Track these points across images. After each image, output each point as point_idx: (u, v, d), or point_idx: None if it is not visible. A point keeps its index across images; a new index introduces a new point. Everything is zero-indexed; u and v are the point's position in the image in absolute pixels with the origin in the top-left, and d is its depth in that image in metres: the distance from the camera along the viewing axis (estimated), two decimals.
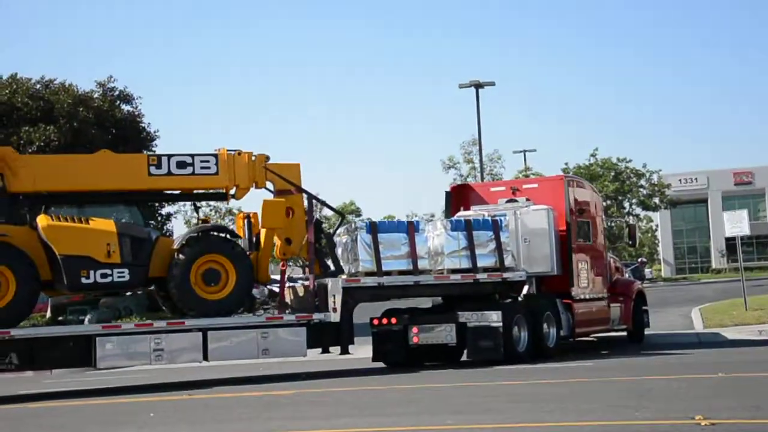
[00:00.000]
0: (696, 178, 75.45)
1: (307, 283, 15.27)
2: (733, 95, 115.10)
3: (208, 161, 14.67)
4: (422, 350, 16.00)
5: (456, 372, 14.76)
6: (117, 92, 33.32)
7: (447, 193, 18.22)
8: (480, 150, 43.94)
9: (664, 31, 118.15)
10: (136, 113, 33.58)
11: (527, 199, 17.24)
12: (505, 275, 15.86)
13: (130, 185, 14.53)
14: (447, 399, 11.00)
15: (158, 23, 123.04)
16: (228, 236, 14.91)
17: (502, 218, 16.05)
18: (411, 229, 15.17)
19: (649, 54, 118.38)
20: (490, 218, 16.03)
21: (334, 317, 14.69)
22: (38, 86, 32.17)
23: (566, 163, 61.22)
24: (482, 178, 47.28)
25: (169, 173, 14.46)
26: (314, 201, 15.56)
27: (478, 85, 40.14)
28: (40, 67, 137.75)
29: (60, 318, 30.24)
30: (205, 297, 14.27)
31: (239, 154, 14.93)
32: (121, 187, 14.58)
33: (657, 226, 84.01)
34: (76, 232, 13.88)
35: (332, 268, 15.34)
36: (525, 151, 58.68)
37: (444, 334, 15.35)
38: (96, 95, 32.77)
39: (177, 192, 15.45)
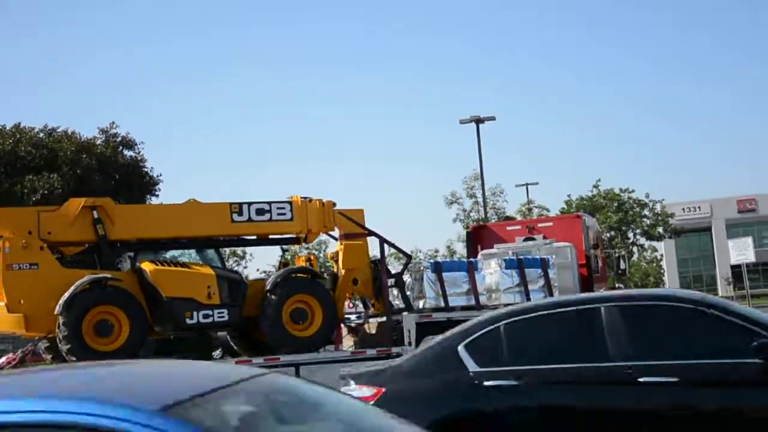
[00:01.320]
0: (699, 207, 75.97)
1: (381, 319, 16.20)
2: (735, 123, 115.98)
3: (283, 208, 15.66)
4: None
5: None
6: (119, 138, 33.66)
7: (468, 233, 19.79)
8: (482, 184, 44.34)
9: (663, 60, 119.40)
10: (139, 158, 33.93)
11: (544, 237, 18.54)
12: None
13: (215, 231, 15.53)
14: None
15: (159, 69, 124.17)
16: (312, 277, 15.79)
17: (527, 255, 17.45)
18: (471, 267, 16.42)
19: (647, 88, 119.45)
20: (539, 257, 17.35)
21: (408, 350, 15.39)
22: (41, 135, 32.56)
23: (569, 195, 61.75)
24: (485, 213, 47.60)
25: (250, 220, 15.38)
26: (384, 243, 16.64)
27: (478, 120, 40.57)
28: (44, 115, 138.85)
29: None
30: (295, 334, 15.14)
31: (310, 200, 16.01)
32: (207, 234, 15.60)
33: (662, 255, 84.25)
34: (180, 276, 14.75)
35: (395, 305, 16.34)
36: (527, 185, 59.14)
37: None
38: (99, 142, 33.13)
39: (253, 237, 16.34)
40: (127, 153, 33.87)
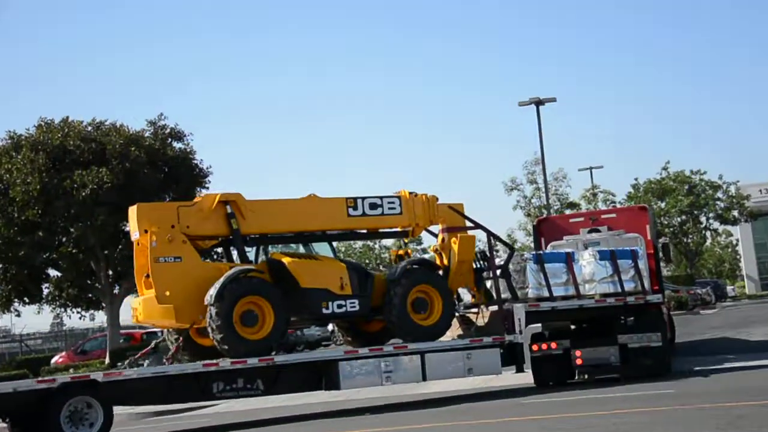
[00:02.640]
0: None
1: (493, 308, 17.42)
2: None
3: (393, 202, 16.86)
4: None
5: (535, 403, 14.65)
6: (168, 130, 33.91)
7: (534, 226, 20.48)
8: (543, 169, 43.72)
9: (732, 39, 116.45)
10: (188, 150, 34.13)
11: (609, 228, 19.38)
12: (648, 297, 18.42)
13: (332, 225, 16.67)
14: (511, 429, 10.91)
15: (205, 59, 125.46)
16: (432, 269, 16.97)
17: (596, 246, 18.53)
18: (569, 259, 17.78)
19: (717, 66, 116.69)
20: (629, 248, 18.52)
21: (521, 338, 16.95)
22: (89, 128, 32.96)
23: (636, 179, 60.51)
24: (547, 199, 46.91)
25: (364, 214, 16.63)
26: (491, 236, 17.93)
27: (538, 102, 39.97)
28: (92, 109, 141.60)
29: (119, 364, 30.74)
30: (419, 323, 16.31)
31: (416, 195, 17.09)
32: (325, 227, 16.67)
33: (738, 240, 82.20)
34: (316, 267, 16.04)
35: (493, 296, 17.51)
36: (591, 168, 58.14)
37: (608, 355, 17.65)
38: (147, 134, 33.42)
39: (364, 231, 17.41)
40: (176, 145, 34.10)
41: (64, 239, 32.16)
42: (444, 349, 16.46)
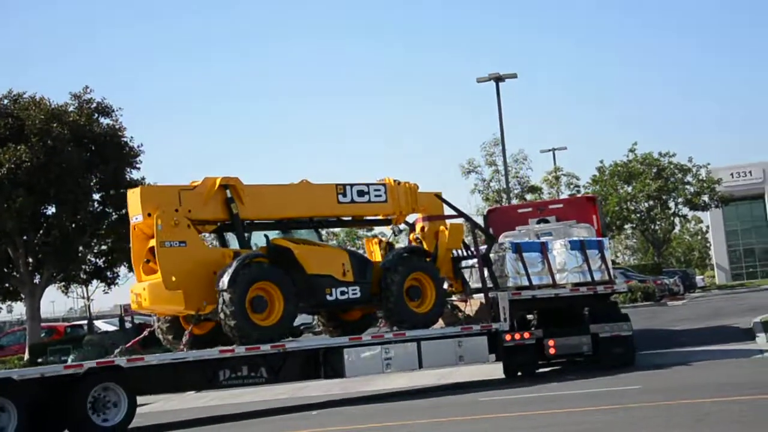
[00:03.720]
0: (750, 171, 75.20)
1: (479, 297, 18.59)
2: None
3: (379, 190, 17.88)
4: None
5: (493, 401, 14.88)
6: (94, 104, 33.45)
7: (483, 216, 21.52)
8: (503, 151, 44.02)
9: (706, 11, 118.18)
10: (117, 127, 33.71)
11: (557, 219, 20.73)
12: (615, 287, 20.57)
13: (323, 212, 17.58)
14: None
15: (134, 26, 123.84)
16: (424, 256, 17.91)
17: (549, 236, 19.62)
18: (544, 248, 19.01)
19: (690, 35, 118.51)
20: (595, 238, 20.00)
21: (506, 326, 18.29)
22: (6, 101, 32.42)
23: (601, 161, 61.23)
24: (507, 182, 47.28)
25: (352, 201, 17.57)
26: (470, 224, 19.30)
27: (498, 79, 40.13)
28: (8, 80, 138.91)
29: (39, 360, 30.44)
30: (414, 311, 17.40)
31: (398, 183, 18.10)
32: (317, 214, 17.56)
33: (708, 227, 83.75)
34: (320, 254, 17.10)
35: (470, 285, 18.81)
36: (554, 150, 58.72)
37: (580, 344, 19.10)
38: (71, 109, 32.93)
39: (350, 218, 18.35)
40: (104, 121, 33.69)
41: None
42: (438, 337, 17.65)
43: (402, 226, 18.82)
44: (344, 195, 17.45)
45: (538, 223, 20.68)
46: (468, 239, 19.57)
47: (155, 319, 16.89)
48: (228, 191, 16.17)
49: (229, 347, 15.63)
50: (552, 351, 18.97)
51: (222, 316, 15.48)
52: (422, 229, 18.55)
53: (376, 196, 17.85)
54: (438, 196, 18.82)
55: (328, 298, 16.71)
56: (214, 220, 16.39)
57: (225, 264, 15.75)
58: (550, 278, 18.99)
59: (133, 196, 15.99)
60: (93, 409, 14.21)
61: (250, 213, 16.54)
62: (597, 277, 19.57)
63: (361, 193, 17.65)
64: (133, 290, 16.03)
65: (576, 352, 19.22)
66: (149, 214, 15.50)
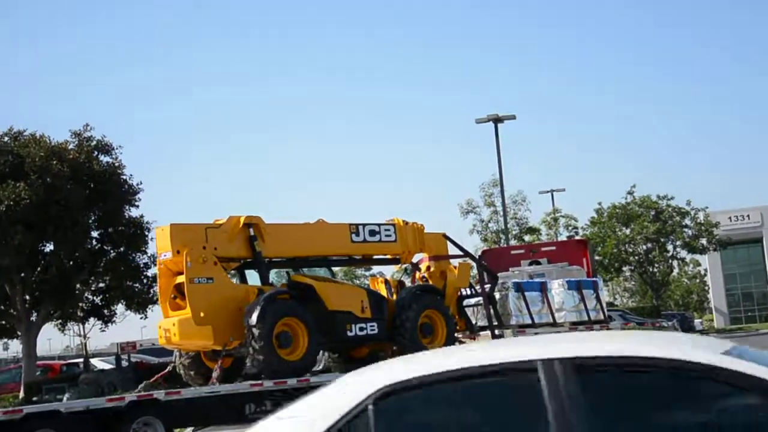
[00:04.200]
0: (748, 215, 75.24)
1: (485, 334, 19.19)
2: None
3: (389, 230, 18.40)
4: None
5: None
6: (94, 142, 33.43)
7: (479, 257, 22.03)
8: (502, 191, 44.12)
9: (704, 53, 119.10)
10: (116, 164, 33.68)
11: (548, 261, 21.78)
12: (609, 326, 21.57)
13: (337, 250, 18.19)
14: None
15: (140, 72, 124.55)
16: (437, 294, 18.43)
17: (542, 277, 20.37)
18: (544, 287, 19.78)
19: (687, 80, 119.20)
20: (590, 279, 20.87)
21: None
22: (6, 139, 32.40)
23: (600, 203, 61.35)
24: (505, 223, 47.29)
25: (364, 240, 18.10)
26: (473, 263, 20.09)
27: (497, 120, 40.38)
28: (8, 117, 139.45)
29: (35, 399, 30.13)
30: (427, 347, 17.50)
31: (407, 223, 18.68)
32: (331, 252, 18.23)
33: (706, 270, 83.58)
34: (340, 290, 17.83)
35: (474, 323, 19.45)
36: (552, 191, 58.85)
37: None
38: (71, 146, 32.91)
39: (359, 257, 18.93)
40: (103, 159, 33.65)
41: None
42: None
43: (407, 265, 19.27)
44: (357, 234, 17.99)
45: (530, 264, 21.76)
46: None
47: (177, 355, 17.16)
48: (251, 229, 16.71)
49: (258, 381, 16.04)
50: None
51: (251, 350, 15.85)
52: (428, 268, 19.03)
53: (386, 235, 18.32)
54: (445, 236, 19.36)
55: (348, 333, 17.14)
56: (237, 258, 16.92)
57: (249, 300, 16.21)
58: (550, 317, 19.68)
59: (162, 233, 16.34)
60: None
61: (270, 251, 17.06)
62: (593, 316, 20.40)
63: (372, 233, 18.16)
64: (161, 326, 16.27)
65: None
66: (178, 252, 15.90)
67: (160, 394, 15.31)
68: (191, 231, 16.29)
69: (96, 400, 15.57)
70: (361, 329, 17.22)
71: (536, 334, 19.03)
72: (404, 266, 19.12)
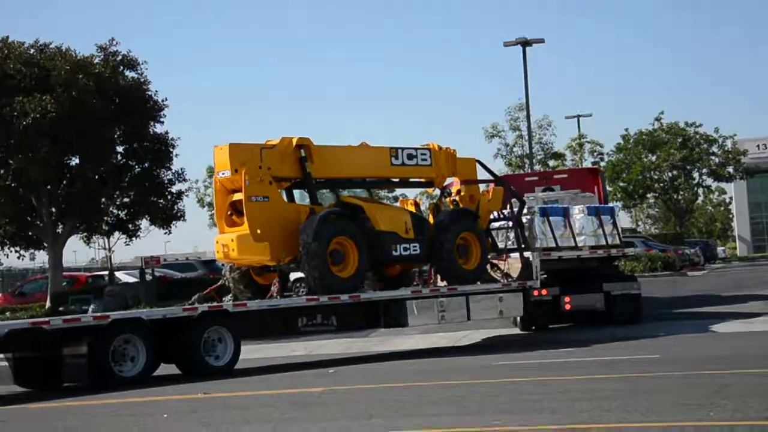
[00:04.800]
0: None
1: (515, 256, 19.68)
2: None
3: (425, 154, 18.79)
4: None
5: (506, 365, 14.82)
6: (120, 57, 33.35)
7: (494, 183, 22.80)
8: (528, 116, 43.70)
9: None
10: (142, 80, 33.63)
11: (561, 188, 22.06)
12: (626, 251, 22.57)
13: (378, 173, 18.73)
14: (494, 397, 11.00)
15: None
16: (474, 217, 18.96)
17: (554, 204, 20.78)
18: (566, 213, 20.50)
19: (718, 6, 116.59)
20: (608, 205, 21.50)
21: (537, 284, 19.65)
22: (32, 51, 32.36)
23: (626, 129, 60.69)
24: (530, 147, 46.96)
25: (403, 164, 18.52)
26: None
27: (525, 43, 39.82)
28: (34, 29, 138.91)
29: (61, 308, 30.64)
30: (463, 267, 18.46)
31: (441, 148, 19.02)
32: (372, 174, 18.75)
33: (731, 198, 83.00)
34: (387, 211, 18.41)
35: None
36: (579, 116, 58.23)
37: (594, 301, 20.76)
38: (96, 60, 32.84)
39: (396, 180, 19.34)
40: (129, 74, 33.60)
41: (2, 171, 31.73)
42: (483, 292, 18.88)
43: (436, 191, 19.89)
44: (396, 158, 18.41)
45: (544, 191, 21.80)
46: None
47: (227, 270, 17.89)
48: (302, 150, 17.12)
49: (314, 296, 16.85)
50: (567, 307, 20.55)
51: (306, 267, 16.60)
52: (458, 192, 19.47)
53: (422, 159, 18.73)
54: (478, 161, 19.89)
55: (394, 253, 17.72)
56: (288, 178, 17.35)
57: (300, 219, 16.87)
58: (572, 241, 20.32)
59: (221, 152, 16.73)
60: (204, 349, 15.58)
61: (318, 172, 17.47)
62: (610, 241, 20.98)
63: (410, 157, 18.58)
64: (218, 241, 16.91)
65: (589, 308, 20.79)
66: (236, 170, 16.44)
67: (229, 306, 16.23)
68: (248, 150, 16.75)
69: (173, 309, 16.53)
70: (405, 249, 17.82)
71: (560, 258, 20.27)
72: (443, 190, 19.52)
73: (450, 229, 18.25)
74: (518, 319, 21.01)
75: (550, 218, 20.04)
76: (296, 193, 17.85)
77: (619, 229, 21.47)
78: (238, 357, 16.09)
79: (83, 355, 14.59)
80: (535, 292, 19.88)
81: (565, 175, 24.29)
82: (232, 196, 16.79)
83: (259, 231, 16.42)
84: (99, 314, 15.92)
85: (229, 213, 16.90)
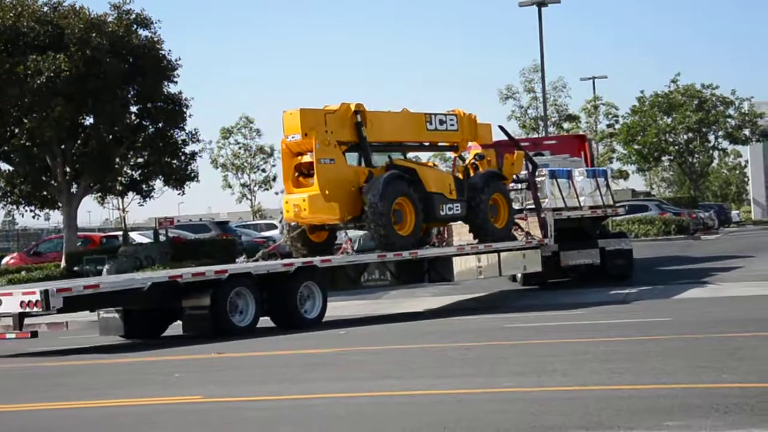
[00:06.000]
0: None
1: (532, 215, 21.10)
2: None
3: (453, 119, 19.94)
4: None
5: (519, 327, 14.85)
6: (133, 15, 33.17)
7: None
8: (543, 77, 43.38)
9: None
10: (155, 39, 33.45)
11: (551, 153, 23.38)
12: (619, 211, 24.72)
13: (415, 137, 19.79)
14: (506, 358, 11.04)
15: None
16: (503, 179, 20.26)
17: (546, 167, 21.73)
18: (570, 175, 21.88)
19: None
20: (602, 168, 23.92)
21: (551, 242, 20.88)
22: (46, 9, 32.18)
23: (642, 91, 60.29)
24: (545, 109, 46.73)
25: (435, 129, 19.68)
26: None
27: (540, 3, 39.45)
28: None
29: (75, 268, 30.80)
30: (495, 226, 19.76)
31: (464, 114, 20.12)
32: (410, 139, 19.79)
33: (747, 161, 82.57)
34: (436, 174, 19.56)
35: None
36: (594, 78, 57.79)
37: (590, 256, 22.19)
38: (110, 19, 32.67)
39: (427, 143, 20.33)
40: (142, 33, 33.42)
41: (16, 131, 31.73)
42: (511, 249, 20.15)
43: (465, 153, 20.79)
44: (430, 123, 19.52)
45: (535, 155, 22.40)
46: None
47: (285, 229, 19.05)
48: (358, 116, 18.16)
49: (382, 253, 18.07)
50: (566, 262, 21.98)
51: (373, 225, 17.78)
52: (476, 156, 20.36)
53: (450, 125, 19.84)
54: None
55: (441, 213, 18.93)
56: (346, 142, 18.23)
57: (359, 180, 18.05)
58: (576, 201, 21.68)
59: (292, 117, 17.68)
60: (299, 302, 16.71)
61: (371, 136, 18.47)
62: (605, 201, 22.64)
63: (441, 122, 19.70)
64: (287, 201, 17.94)
65: (586, 263, 22.20)
66: (306, 134, 17.43)
67: (317, 261, 17.34)
68: (315, 115, 17.77)
69: (273, 264, 17.58)
70: (450, 209, 19.04)
71: (569, 217, 21.56)
72: (477, 154, 20.26)
73: (484, 191, 19.41)
74: (519, 275, 22.29)
75: (558, 180, 21.31)
76: (347, 155, 18.66)
77: (612, 191, 23.24)
78: (326, 310, 17.13)
79: (205, 306, 15.61)
80: None
81: (554, 141, 26.10)
82: (297, 158, 17.89)
83: (327, 192, 17.50)
84: (219, 268, 16.98)
85: (296, 174, 17.94)
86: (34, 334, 15.21)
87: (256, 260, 18.65)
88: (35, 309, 14.42)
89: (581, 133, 26.62)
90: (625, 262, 22.69)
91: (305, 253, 18.40)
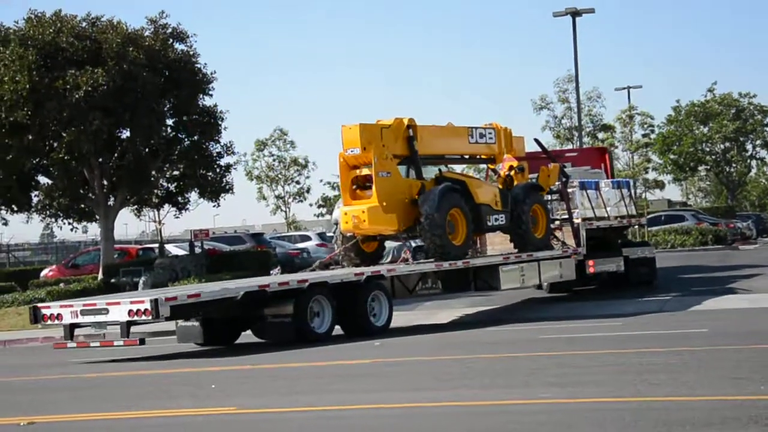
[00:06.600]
0: None
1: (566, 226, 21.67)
2: None
3: (491, 132, 20.62)
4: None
5: (553, 338, 14.75)
6: (169, 30, 33.45)
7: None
8: (577, 87, 43.15)
9: None
10: (191, 53, 33.71)
11: (572, 165, 23.67)
12: (641, 221, 26.05)
13: (458, 150, 20.60)
14: (541, 370, 10.96)
15: None
16: (542, 191, 20.92)
17: (570, 178, 22.30)
18: (598, 186, 22.54)
19: None
20: (625, 179, 24.72)
21: (583, 251, 21.48)
22: (84, 24, 32.54)
23: (678, 101, 59.85)
24: (579, 119, 46.49)
25: (476, 142, 20.35)
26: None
27: (575, 13, 39.28)
28: (86, 3, 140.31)
29: (113, 280, 31.04)
30: (535, 235, 20.33)
31: (501, 127, 20.79)
32: (456, 152, 20.62)
33: None
34: (484, 186, 20.16)
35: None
36: (629, 88, 57.36)
37: (614, 264, 22.61)
38: (147, 33, 32.98)
39: (467, 156, 21.15)
40: (178, 46, 33.68)
41: (55, 144, 32.07)
42: (549, 258, 20.60)
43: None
44: (472, 136, 20.20)
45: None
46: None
47: (339, 241, 19.45)
48: (410, 130, 18.73)
49: (439, 262, 18.49)
50: (591, 270, 22.17)
51: (430, 236, 18.27)
52: (510, 168, 20.78)
53: (489, 138, 20.48)
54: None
55: (488, 224, 19.58)
56: (399, 155, 18.75)
57: (412, 193, 18.57)
58: (604, 211, 22.32)
59: (351, 131, 18.27)
60: (369, 310, 17.22)
61: (421, 149, 19.03)
62: (630, 211, 23.42)
63: (481, 135, 20.35)
64: (347, 212, 18.43)
65: (610, 270, 22.51)
66: (364, 148, 18.02)
67: (384, 270, 18.08)
68: (372, 130, 18.38)
69: (346, 273, 17.97)
70: (496, 220, 19.66)
71: (598, 227, 22.16)
72: (516, 167, 20.56)
73: (525, 202, 19.97)
74: (545, 284, 22.34)
75: (588, 191, 21.94)
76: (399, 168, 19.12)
77: (634, 201, 24.76)
78: (392, 318, 17.53)
79: (288, 314, 16.13)
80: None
81: (575, 153, 26.79)
82: (354, 171, 18.47)
83: (385, 203, 18.09)
84: (300, 277, 17.53)
85: (354, 187, 18.48)
86: (142, 341, 15.63)
87: (313, 269, 19.27)
88: (143, 317, 14.81)
89: (603, 145, 27.91)
90: (649, 269, 23.40)
91: (358, 263, 18.93)
